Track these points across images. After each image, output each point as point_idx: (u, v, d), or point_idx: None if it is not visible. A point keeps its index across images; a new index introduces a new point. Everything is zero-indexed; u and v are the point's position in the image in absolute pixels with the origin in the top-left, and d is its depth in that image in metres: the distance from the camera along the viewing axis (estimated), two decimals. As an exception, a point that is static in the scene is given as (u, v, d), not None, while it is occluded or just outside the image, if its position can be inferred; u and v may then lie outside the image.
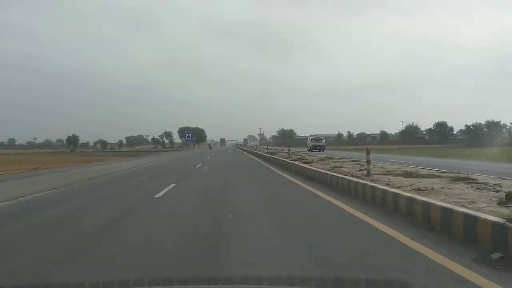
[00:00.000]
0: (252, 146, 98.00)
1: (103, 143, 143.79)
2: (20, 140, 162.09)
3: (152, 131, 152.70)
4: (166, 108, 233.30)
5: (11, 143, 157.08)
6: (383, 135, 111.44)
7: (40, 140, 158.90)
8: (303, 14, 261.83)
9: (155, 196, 9.97)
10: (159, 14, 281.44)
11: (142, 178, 16.06)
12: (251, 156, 36.43)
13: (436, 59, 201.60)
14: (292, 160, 18.63)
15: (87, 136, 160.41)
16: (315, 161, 17.85)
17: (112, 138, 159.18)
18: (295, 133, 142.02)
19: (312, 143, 41.26)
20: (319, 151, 38.18)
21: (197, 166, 23.05)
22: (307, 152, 32.14)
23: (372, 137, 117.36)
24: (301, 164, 15.65)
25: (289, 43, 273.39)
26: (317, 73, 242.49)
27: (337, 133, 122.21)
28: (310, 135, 52.12)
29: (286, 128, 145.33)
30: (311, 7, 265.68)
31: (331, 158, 20.66)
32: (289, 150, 23.47)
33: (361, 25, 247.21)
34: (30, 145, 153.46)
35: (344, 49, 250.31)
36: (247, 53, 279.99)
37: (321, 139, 43.76)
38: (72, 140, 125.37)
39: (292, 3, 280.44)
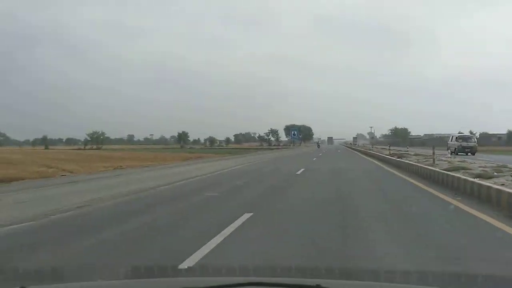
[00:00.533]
0: (363, 145, 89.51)
1: (212, 140, 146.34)
2: (139, 136, 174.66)
3: (260, 129, 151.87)
4: (274, 106, 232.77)
5: (130, 139, 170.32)
6: (510, 136, 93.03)
7: (156, 136, 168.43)
8: (420, 9, 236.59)
9: (179, 266, 4.05)
10: (271, 10, 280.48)
11: (210, 193, 10.34)
12: (369, 159, 29.08)
13: None
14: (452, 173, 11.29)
15: (198, 133, 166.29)
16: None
17: (222, 135, 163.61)
18: (409, 132, 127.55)
19: (459, 144, 32.05)
20: (467, 154, 29.21)
21: (299, 172, 16.86)
22: (450, 155, 23.74)
23: (497, 137, 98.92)
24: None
25: (404, 37, 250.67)
26: (431, 69, 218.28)
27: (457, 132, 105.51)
28: (458, 133, 41.80)
29: (398, 126, 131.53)
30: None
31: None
32: (433, 154, 15.63)
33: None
34: (147, 141, 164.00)
35: (462, 43, 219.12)
36: (355, 47, 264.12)
37: (470, 138, 34.54)
38: (182, 137, 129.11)
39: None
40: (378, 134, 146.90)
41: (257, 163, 25.24)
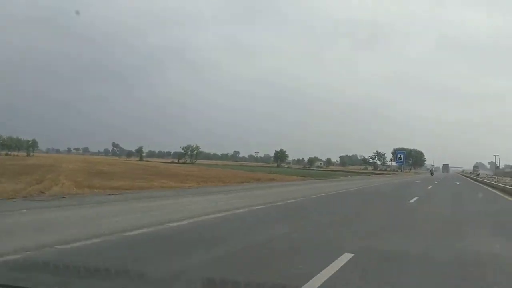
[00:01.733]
0: (484, 176, 74.44)
1: (311, 161, 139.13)
2: (244, 153, 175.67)
3: (368, 151, 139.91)
4: (387, 128, 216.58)
5: (235, 155, 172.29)
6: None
7: (261, 154, 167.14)
8: None
9: None
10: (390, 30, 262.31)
11: None
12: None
13: None
14: None
15: (305, 153, 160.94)
16: None
17: (332, 156, 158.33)
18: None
19: None
20: None
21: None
22: None
23: None
24: None
25: None
26: None
27: None
28: None
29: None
30: None
31: None
32: None
33: None
34: (251, 158, 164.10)
35: None
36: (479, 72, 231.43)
37: None
38: (280, 156, 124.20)
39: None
40: (502, 164, 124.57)
41: (334, 197, 17.77)
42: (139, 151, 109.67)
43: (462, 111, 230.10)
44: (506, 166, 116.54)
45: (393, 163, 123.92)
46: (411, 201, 15.93)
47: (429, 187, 28.57)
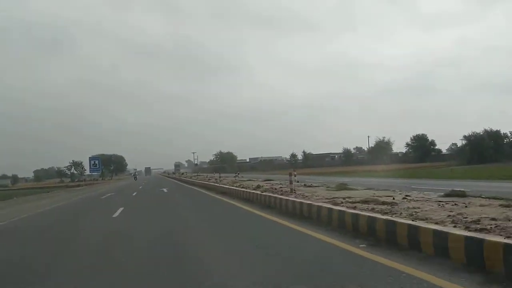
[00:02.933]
0: (182, 174, 77.08)
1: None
2: None
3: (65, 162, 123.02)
4: (85, 135, 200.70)
5: None
6: (347, 154, 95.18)
7: None
8: (227, 34, 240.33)
9: None
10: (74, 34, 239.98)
11: None
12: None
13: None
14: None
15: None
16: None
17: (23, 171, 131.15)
18: (235, 156, 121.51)
19: None
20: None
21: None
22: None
23: (331, 157, 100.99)
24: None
25: (207, 64, 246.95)
26: (247, 94, 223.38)
27: (290, 154, 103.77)
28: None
29: (224, 151, 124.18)
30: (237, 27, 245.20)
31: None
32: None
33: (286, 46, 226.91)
34: None
35: (271, 70, 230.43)
36: (166, 76, 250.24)
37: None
38: None
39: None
40: (201, 160, 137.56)
41: None
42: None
43: (153, 116, 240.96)
44: (202, 163, 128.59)
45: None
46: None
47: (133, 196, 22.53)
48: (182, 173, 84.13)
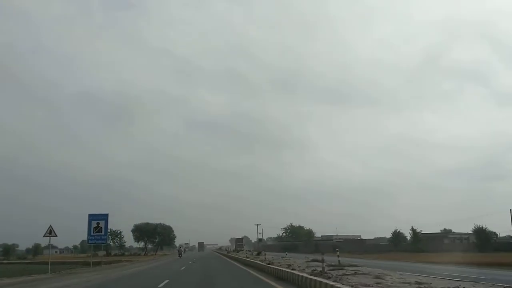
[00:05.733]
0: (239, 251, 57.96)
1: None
2: None
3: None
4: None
5: None
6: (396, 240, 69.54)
7: None
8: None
9: None
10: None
11: None
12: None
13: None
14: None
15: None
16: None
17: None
18: (311, 231, 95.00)
19: None
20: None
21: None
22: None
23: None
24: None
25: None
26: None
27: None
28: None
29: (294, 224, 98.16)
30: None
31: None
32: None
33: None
34: None
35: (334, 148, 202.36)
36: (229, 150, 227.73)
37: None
38: None
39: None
40: (266, 236, 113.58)
41: None
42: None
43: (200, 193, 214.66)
44: (271, 239, 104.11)
45: (139, 244, 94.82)
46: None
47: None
48: (249, 251, 62.99)
